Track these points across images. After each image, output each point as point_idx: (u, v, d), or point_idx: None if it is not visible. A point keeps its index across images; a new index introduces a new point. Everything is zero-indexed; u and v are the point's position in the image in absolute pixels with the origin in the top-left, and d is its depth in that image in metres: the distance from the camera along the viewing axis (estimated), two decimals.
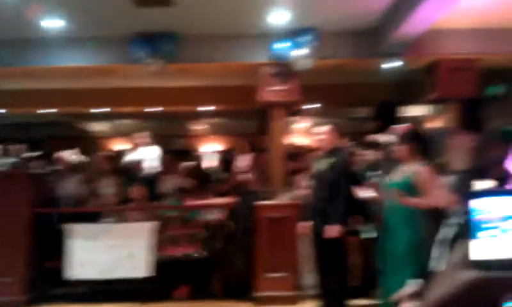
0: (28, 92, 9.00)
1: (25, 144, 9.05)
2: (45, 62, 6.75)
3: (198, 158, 8.92)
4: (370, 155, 5.66)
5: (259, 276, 5.67)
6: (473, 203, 2.18)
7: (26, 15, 5.56)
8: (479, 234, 2.22)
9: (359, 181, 4.86)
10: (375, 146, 5.39)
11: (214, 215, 5.96)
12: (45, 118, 11.63)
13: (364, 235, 5.32)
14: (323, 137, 4.90)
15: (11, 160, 8.17)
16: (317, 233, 4.75)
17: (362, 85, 8.63)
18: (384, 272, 4.11)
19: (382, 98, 8.54)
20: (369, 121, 8.91)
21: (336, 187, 4.64)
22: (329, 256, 4.70)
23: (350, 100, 9.45)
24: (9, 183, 5.86)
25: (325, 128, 4.94)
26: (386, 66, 6.73)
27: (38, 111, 10.44)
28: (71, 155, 7.57)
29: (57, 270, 5.70)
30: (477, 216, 2.20)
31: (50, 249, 5.89)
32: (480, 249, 2.23)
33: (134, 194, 6.24)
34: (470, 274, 2.21)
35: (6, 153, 8.39)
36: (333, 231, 4.58)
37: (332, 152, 4.82)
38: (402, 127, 5.19)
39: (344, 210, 4.64)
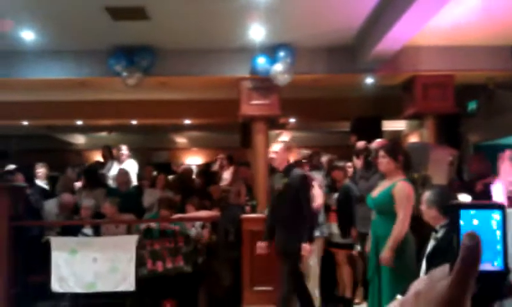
0: (4, 104, 8.86)
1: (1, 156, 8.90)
2: (22, 75, 6.66)
3: (179, 171, 8.84)
4: (353, 166, 5.70)
5: (246, 290, 5.64)
6: (455, 217, 2.16)
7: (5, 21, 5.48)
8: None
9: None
10: (358, 155, 5.41)
11: (195, 229, 5.89)
12: (21, 131, 11.45)
13: (357, 249, 5.35)
14: (275, 156, 4.88)
15: None
16: (281, 251, 4.77)
17: (340, 100, 8.73)
18: (374, 284, 4.08)
19: (360, 112, 8.61)
20: (348, 135, 8.97)
21: (296, 205, 4.63)
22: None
23: (329, 115, 9.53)
24: None
25: (278, 146, 4.91)
26: (363, 81, 6.80)
27: (15, 123, 10.29)
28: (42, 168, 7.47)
29: (42, 284, 5.58)
30: (459, 229, 2.18)
31: (33, 263, 5.78)
32: None
33: (106, 209, 6.16)
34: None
35: None
36: (305, 250, 4.59)
37: (285, 171, 4.80)
38: (382, 141, 5.23)
39: (307, 228, 4.66)
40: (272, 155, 4.92)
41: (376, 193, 4.18)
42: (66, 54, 6.57)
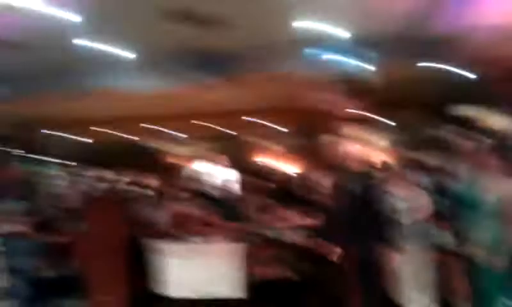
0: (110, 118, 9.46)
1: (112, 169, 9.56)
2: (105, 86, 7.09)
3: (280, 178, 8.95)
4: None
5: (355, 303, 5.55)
6: None
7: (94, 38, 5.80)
8: None
9: None
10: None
11: (297, 236, 5.96)
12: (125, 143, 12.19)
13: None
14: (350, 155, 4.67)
15: (104, 185, 8.68)
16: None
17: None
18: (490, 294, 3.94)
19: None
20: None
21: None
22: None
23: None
24: (106, 206, 6.21)
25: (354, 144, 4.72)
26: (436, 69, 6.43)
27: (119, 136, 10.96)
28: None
29: (155, 288, 5.92)
30: None
31: (149, 269, 6.17)
32: None
33: (213, 218, 6.41)
34: None
35: (100, 179, 8.92)
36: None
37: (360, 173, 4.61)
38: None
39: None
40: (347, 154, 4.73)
41: (491, 196, 4.01)
42: (150, 66, 6.85)
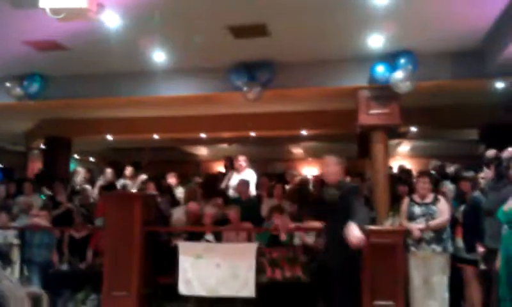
0: (137, 120, 9.68)
1: (134, 167, 9.70)
2: (153, 93, 7.22)
3: (295, 181, 8.92)
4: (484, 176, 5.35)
5: (366, 304, 5.50)
6: None
7: (139, 45, 6.00)
8: None
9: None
10: (488, 164, 5.04)
11: (312, 239, 5.92)
12: (152, 143, 12.39)
13: (482, 266, 5.00)
14: (326, 170, 4.65)
15: (124, 182, 8.81)
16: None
17: (466, 106, 8.20)
18: (506, 304, 3.81)
19: (489, 119, 8.03)
20: (477, 144, 8.41)
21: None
22: None
23: (454, 123, 9.01)
24: (124, 203, 6.28)
25: (330, 160, 4.65)
26: (492, 87, 6.35)
27: (145, 137, 11.17)
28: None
29: (169, 285, 5.97)
30: None
31: (162, 266, 6.21)
32: None
33: (231, 215, 6.40)
34: None
35: (129, 176, 9.08)
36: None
37: (338, 185, 4.54)
38: None
39: None
40: (324, 169, 4.72)
41: (508, 206, 3.89)
42: (191, 71, 7.01)
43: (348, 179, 5.23)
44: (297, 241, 5.98)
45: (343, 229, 4.17)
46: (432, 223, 5.23)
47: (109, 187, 7.84)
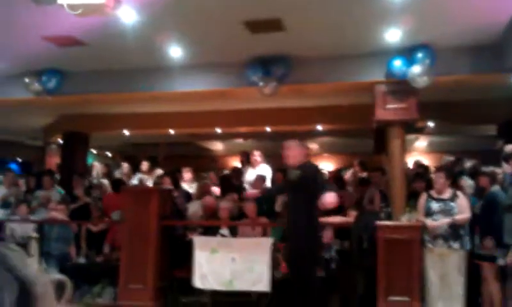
0: (154, 115, 9.74)
1: (151, 162, 9.78)
2: (169, 88, 7.26)
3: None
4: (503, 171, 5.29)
5: (381, 299, 5.48)
6: None
7: (156, 41, 6.03)
8: None
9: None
10: (507, 159, 4.98)
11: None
12: (168, 138, 12.46)
13: (501, 262, 4.94)
14: (288, 153, 4.91)
15: (140, 176, 8.89)
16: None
17: (484, 101, 8.08)
18: None
19: (508, 115, 7.91)
20: (495, 139, 8.30)
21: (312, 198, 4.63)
22: None
23: (472, 118, 8.89)
24: (141, 198, 6.35)
25: (290, 143, 4.96)
26: (511, 81, 6.24)
27: (161, 132, 11.24)
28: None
29: (185, 279, 6.02)
30: None
31: (178, 260, 6.27)
32: None
33: (248, 209, 6.43)
34: None
35: (146, 171, 9.17)
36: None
37: (300, 167, 4.78)
38: None
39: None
40: (285, 153, 4.92)
41: None
42: (207, 67, 7.02)
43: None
44: None
45: (304, 207, 4.56)
46: (458, 217, 5.19)
47: (117, 183, 7.89)
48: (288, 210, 5.02)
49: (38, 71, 7.21)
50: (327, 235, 5.86)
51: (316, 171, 4.91)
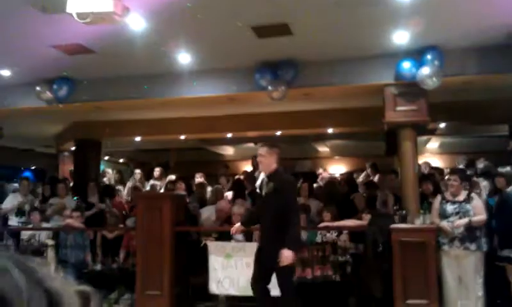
0: (165, 121, 9.79)
1: (163, 167, 9.83)
2: (179, 94, 7.29)
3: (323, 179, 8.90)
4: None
5: (398, 303, 5.44)
6: None
7: (165, 47, 6.07)
8: None
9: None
10: None
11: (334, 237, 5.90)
12: (179, 144, 12.51)
13: None
14: (261, 159, 4.71)
15: (152, 182, 8.94)
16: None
17: (496, 102, 8.01)
18: None
19: None
20: (508, 139, 8.22)
21: (284, 211, 4.40)
22: None
23: (483, 118, 8.81)
24: (154, 204, 6.38)
25: (263, 149, 4.71)
26: None
27: (172, 138, 11.29)
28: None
29: (200, 285, 6.03)
30: None
31: (192, 265, 6.28)
32: None
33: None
34: None
35: (158, 177, 9.22)
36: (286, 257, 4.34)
37: (272, 176, 4.59)
38: None
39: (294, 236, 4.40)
40: (258, 159, 4.75)
41: None
42: (216, 72, 7.05)
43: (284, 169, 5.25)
44: (318, 239, 5.97)
45: (275, 225, 4.38)
46: (474, 219, 5.15)
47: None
48: (261, 224, 4.81)
49: (49, 79, 7.29)
50: (342, 239, 5.85)
51: (291, 188, 4.73)
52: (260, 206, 4.82)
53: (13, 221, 7.60)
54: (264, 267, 4.64)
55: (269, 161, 4.66)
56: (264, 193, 4.67)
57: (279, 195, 4.46)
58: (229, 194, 7.87)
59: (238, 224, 4.99)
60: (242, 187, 7.82)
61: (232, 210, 6.65)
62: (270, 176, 4.63)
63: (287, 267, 4.42)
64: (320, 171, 10.53)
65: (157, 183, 9.03)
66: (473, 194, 5.38)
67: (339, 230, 6.10)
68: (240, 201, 7.00)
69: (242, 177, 9.15)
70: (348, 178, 8.76)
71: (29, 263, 0.61)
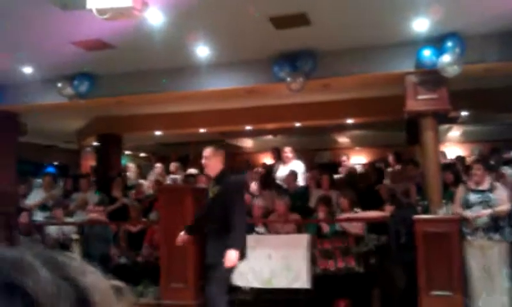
0: (184, 114, 9.85)
1: (182, 161, 9.89)
2: (198, 87, 7.32)
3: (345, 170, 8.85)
4: None
5: (423, 294, 5.39)
6: None
7: (183, 40, 6.09)
8: None
9: None
10: None
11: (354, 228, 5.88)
12: (199, 137, 12.57)
13: None
14: (205, 162, 4.56)
15: (172, 176, 9.01)
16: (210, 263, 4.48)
17: None
18: None
19: None
20: None
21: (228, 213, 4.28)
22: None
23: (506, 106, 8.63)
24: (175, 196, 6.43)
25: (208, 151, 4.57)
26: None
27: (192, 131, 11.35)
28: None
29: None
30: None
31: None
32: None
33: (279, 206, 6.43)
34: None
35: (174, 172, 9.28)
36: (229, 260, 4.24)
37: (218, 178, 4.47)
38: None
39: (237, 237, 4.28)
40: (203, 161, 4.59)
41: None
42: (234, 65, 7.05)
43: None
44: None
45: (219, 227, 4.27)
46: (498, 209, 5.08)
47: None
48: (207, 226, 4.66)
49: (69, 75, 7.38)
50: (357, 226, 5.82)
51: (236, 188, 4.57)
52: (206, 210, 4.73)
53: (38, 216, 7.74)
54: (205, 267, 4.60)
55: (213, 163, 4.54)
56: (209, 196, 4.61)
57: (224, 197, 4.35)
58: (254, 185, 7.80)
59: (182, 233, 4.88)
60: (269, 179, 7.81)
61: (252, 202, 6.67)
62: (216, 179, 4.53)
63: (226, 271, 4.34)
64: (344, 158, 10.46)
65: (177, 176, 9.11)
66: (496, 183, 5.30)
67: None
68: (266, 193, 7.01)
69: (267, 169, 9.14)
70: (372, 167, 8.69)
71: (60, 258, 0.60)
